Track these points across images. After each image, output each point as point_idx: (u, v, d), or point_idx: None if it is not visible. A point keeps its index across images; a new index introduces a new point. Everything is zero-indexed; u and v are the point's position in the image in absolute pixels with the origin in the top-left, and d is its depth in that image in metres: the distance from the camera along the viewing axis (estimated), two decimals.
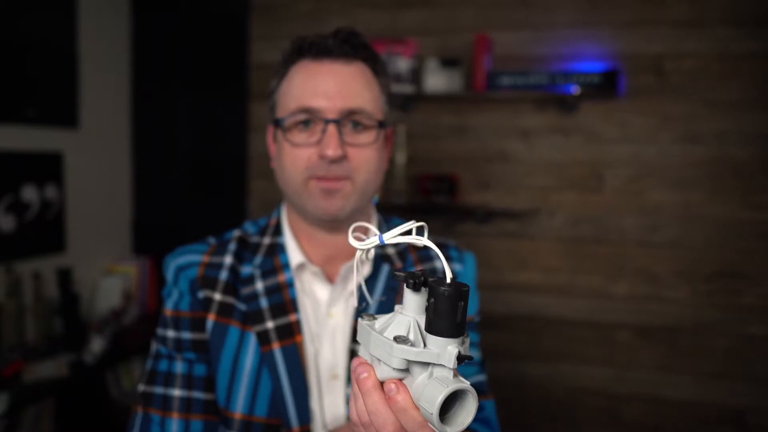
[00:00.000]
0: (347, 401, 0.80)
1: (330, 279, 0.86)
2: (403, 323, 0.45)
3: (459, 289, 0.41)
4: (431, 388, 0.42)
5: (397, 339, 0.43)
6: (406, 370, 0.45)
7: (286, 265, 0.84)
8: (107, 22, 2.61)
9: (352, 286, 0.84)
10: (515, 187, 2.37)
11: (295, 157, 0.79)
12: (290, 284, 0.83)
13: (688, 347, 2.24)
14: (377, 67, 0.84)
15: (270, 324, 0.81)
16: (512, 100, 2.33)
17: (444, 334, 0.42)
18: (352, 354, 0.81)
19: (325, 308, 0.84)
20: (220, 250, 0.86)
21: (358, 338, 0.49)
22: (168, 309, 0.83)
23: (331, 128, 0.77)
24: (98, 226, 2.60)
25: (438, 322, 0.42)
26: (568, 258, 2.34)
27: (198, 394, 0.78)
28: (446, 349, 0.42)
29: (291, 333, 0.80)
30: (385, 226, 0.92)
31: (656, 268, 2.26)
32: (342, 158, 0.77)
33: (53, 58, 2.31)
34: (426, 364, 0.44)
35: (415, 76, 2.36)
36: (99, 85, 2.56)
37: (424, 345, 0.44)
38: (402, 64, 2.33)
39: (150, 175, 2.79)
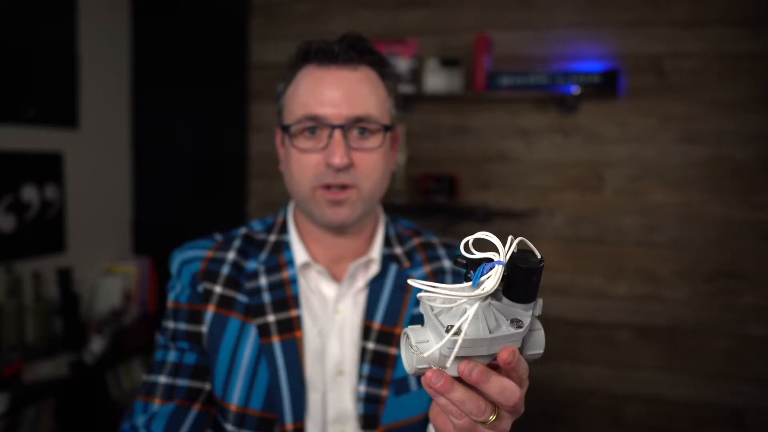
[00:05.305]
0: (355, 398, 0.81)
1: (336, 278, 0.87)
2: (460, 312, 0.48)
3: (536, 265, 0.47)
4: (534, 337, 0.50)
5: (448, 329, 0.46)
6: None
7: (290, 262, 0.86)
8: (107, 23, 2.62)
9: (360, 284, 0.86)
10: (515, 187, 2.37)
11: (302, 165, 0.80)
12: (293, 281, 0.84)
13: (688, 347, 2.24)
14: (384, 71, 0.84)
15: (271, 318, 0.82)
16: (512, 100, 2.33)
17: (525, 300, 0.48)
18: (363, 351, 0.82)
19: (332, 304, 0.85)
20: (225, 246, 0.88)
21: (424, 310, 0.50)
22: (170, 301, 0.86)
23: (337, 135, 0.77)
24: (98, 226, 2.60)
25: (518, 291, 0.48)
26: (568, 258, 2.34)
27: (182, 382, 0.80)
28: (538, 302, 0.49)
29: (291, 328, 0.82)
30: (392, 226, 0.93)
31: (656, 268, 2.26)
32: (348, 166, 0.78)
33: (53, 58, 2.31)
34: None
35: (415, 76, 2.36)
36: (99, 85, 2.56)
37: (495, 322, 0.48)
38: (402, 64, 2.33)
39: (150, 175, 2.79)
